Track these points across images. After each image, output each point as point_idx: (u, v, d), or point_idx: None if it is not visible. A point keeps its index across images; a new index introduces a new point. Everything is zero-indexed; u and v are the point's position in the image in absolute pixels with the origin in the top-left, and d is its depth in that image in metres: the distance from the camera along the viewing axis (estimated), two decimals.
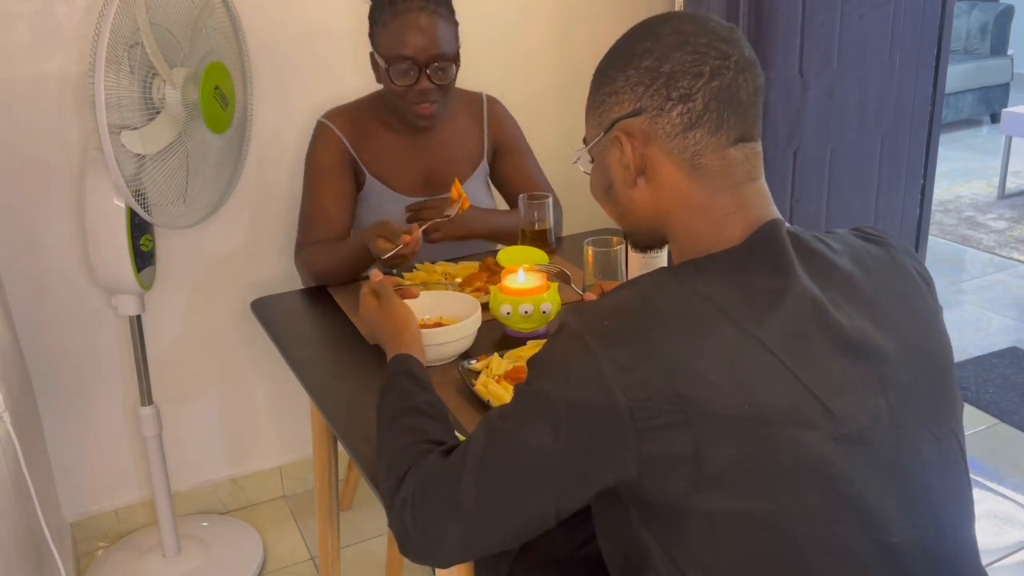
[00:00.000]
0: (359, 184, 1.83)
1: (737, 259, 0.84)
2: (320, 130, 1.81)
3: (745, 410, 0.76)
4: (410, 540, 0.90)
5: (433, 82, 1.68)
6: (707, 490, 0.77)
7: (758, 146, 0.90)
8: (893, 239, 0.95)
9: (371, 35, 1.73)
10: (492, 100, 1.93)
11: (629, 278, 1.56)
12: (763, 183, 0.90)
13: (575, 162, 1.01)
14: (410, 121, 1.75)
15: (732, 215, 0.87)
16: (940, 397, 0.88)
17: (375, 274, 1.35)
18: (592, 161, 0.97)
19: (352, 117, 1.82)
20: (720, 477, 0.77)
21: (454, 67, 1.71)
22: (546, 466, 0.82)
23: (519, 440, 0.83)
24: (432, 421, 1.03)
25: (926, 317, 0.90)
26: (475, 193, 1.89)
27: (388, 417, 1.04)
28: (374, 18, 1.70)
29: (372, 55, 1.74)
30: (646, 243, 0.99)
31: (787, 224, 0.89)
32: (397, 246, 1.56)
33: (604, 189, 0.96)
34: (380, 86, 1.79)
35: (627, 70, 0.89)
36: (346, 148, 1.79)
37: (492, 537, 0.88)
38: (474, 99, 1.91)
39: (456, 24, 1.72)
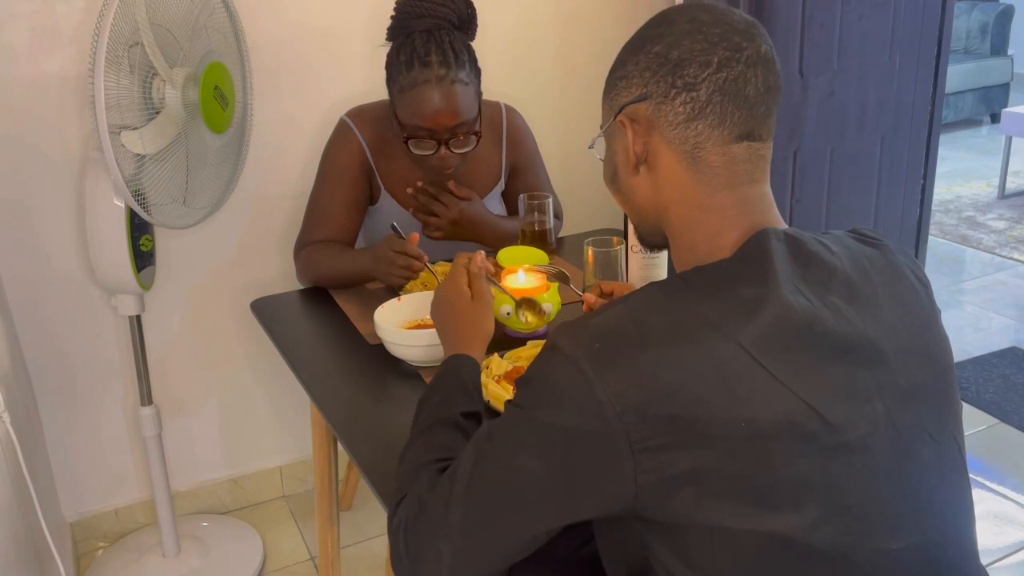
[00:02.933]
0: (373, 196, 1.80)
1: (725, 272, 0.83)
2: (342, 131, 1.76)
3: (743, 428, 0.75)
4: (402, 565, 0.89)
5: (453, 151, 1.64)
6: (708, 507, 0.76)
7: (765, 148, 0.88)
8: (889, 241, 0.94)
9: (387, 86, 1.66)
10: (511, 112, 1.87)
11: (629, 279, 1.56)
12: (766, 188, 0.88)
13: (591, 147, 0.99)
14: (428, 177, 1.72)
15: (730, 218, 0.85)
16: (939, 400, 0.87)
17: (479, 257, 1.23)
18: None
19: (375, 124, 1.76)
20: (721, 495, 0.76)
21: (475, 136, 1.66)
22: (538, 491, 0.81)
23: (510, 464, 0.82)
24: (462, 436, 1.00)
25: (924, 319, 0.89)
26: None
27: (423, 423, 1.03)
28: (390, 74, 1.63)
29: (391, 105, 1.68)
30: (651, 240, 0.96)
31: (786, 227, 0.88)
32: (415, 274, 1.56)
33: (611, 175, 0.95)
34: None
35: (638, 55, 0.88)
36: (366, 156, 1.75)
37: (482, 559, 0.86)
38: (494, 112, 1.84)
39: (477, 79, 1.65)
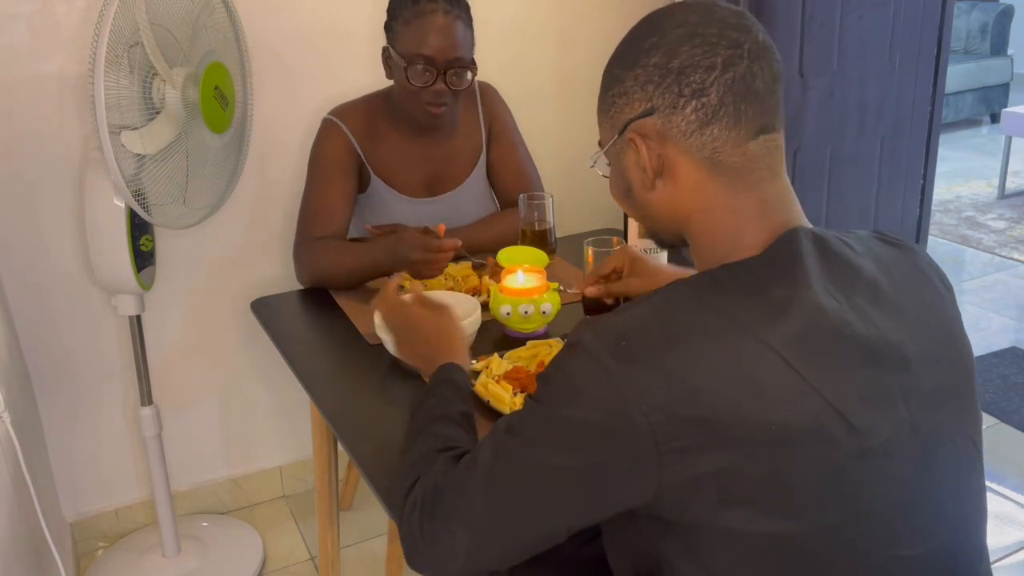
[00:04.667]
0: (363, 184, 1.82)
1: (754, 270, 0.81)
2: (329, 127, 1.79)
3: (771, 432, 0.74)
4: (417, 548, 0.88)
5: (449, 86, 1.68)
6: (728, 510, 0.76)
7: (780, 137, 0.86)
8: (913, 244, 0.92)
9: (388, 28, 1.71)
10: (484, 86, 1.91)
11: None
12: (785, 180, 0.87)
13: (592, 166, 0.97)
14: (418, 120, 1.74)
15: (754, 219, 0.84)
16: (961, 405, 0.86)
17: (415, 286, 1.30)
18: (609, 163, 0.94)
19: (361, 116, 1.80)
20: (743, 498, 0.75)
21: (470, 73, 1.70)
22: (560, 487, 0.80)
23: (532, 461, 0.81)
24: (463, 432, 1.00)
25: (947, 324, 0.88)
26: (476, 187, 1.89)
27: (420, 423, 1.02)
28: (394, 13, 1.69)
29: (386, 50, 1.72)
30: (670, 242, 0.95)
31: (811, 226, 0.87)
32: (442, 261, 1.59)
33: (623, 192, 0.93)
34: (385, 84, 1.78)
35: (635, 68, 0.85)
36: (354, 147, 1.78)
37: (499, 551, 0.86)
38: (469, 89, 1.88)
39: (473, 31, 1.71)
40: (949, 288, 0.93)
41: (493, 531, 0.84)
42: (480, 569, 0.88)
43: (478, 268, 1.70)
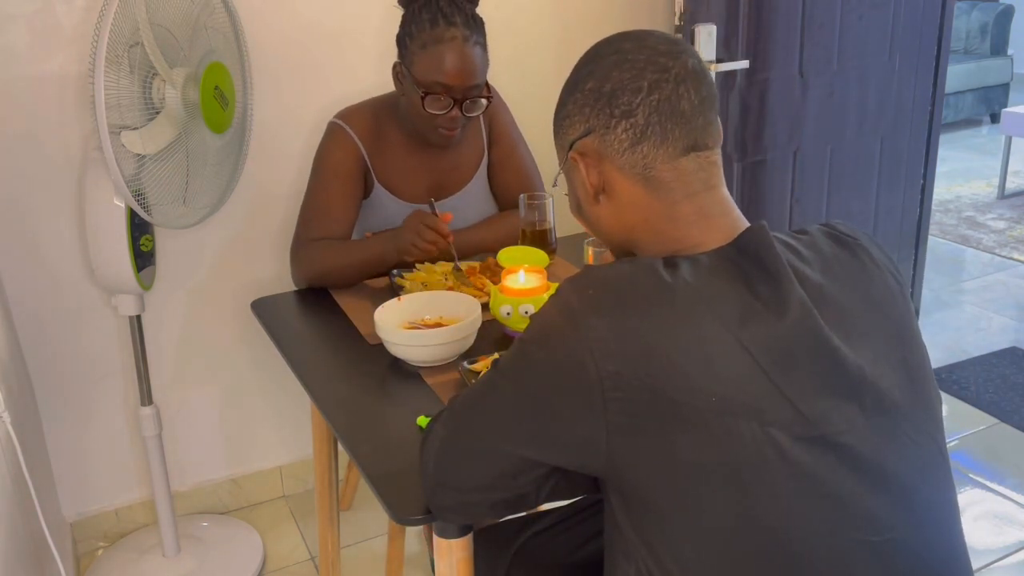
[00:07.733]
0: (366, 191, 1.81)
1: (728, 258, 0.86)
2: (336, 132, 1.77)
3: (712, 403, 0.78)
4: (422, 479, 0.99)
5: (464, 113, 1.67)
6: (679, 477, 0.79)
7: (714, 155, 0.92)
8: (862, 236, 0.95)
9: (401, 44, 1.67)
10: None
11: None
12: (724, 192, 0.92)
13: (554, 186, 1.06)
14: (428, 139, 1.73)
15: (695, 224, 0.89)
16: (917, 401, 0.88)
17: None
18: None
19: (368, 121, 1.78)
20: (690, 464, 0.78)
21: (485, 100, 1.69)
22: (506, 414, 0.87)
23: (492, 389, 0.90)
24: None
25: (897, 321, 0.91)
26: (478, 191, 1.88)
27: None
28: (409, 31, 1.65)
29: (398, 66, 1.69)
30: (622, 257, 1.00)
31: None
32: (442, 243, 1.60)
33: (576, 208, 1.01)
34: (388, 86, 1.78)
35: (575, 93, 0.94)
36: (360, 153, 1.77)
37: (456, 475, 0.94)
38: None
39: (487, 51, 1.68)
40: (900, 280, 0.95)
41: (448, 451, 0.94)
42: (453, 499, 0.96)
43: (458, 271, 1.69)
